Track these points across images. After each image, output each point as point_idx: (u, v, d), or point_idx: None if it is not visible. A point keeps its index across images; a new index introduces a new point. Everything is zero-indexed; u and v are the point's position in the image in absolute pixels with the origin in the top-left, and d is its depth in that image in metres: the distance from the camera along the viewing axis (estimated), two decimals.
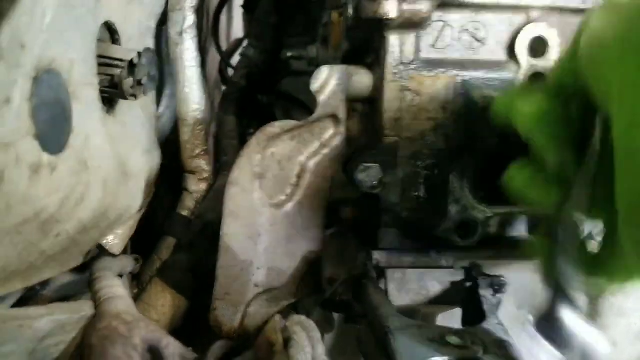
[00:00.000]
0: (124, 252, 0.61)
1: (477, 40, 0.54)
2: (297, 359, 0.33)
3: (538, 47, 0.53)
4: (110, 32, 0.46)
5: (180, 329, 0.62)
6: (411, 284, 0.57)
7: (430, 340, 0.45)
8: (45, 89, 0.28)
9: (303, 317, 0.34)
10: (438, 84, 0.53)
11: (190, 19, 0.66)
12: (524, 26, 0.53)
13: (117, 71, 0.41)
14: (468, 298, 0.54)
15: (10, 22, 0.23)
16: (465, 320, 0.56)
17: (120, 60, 0.41)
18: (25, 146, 0.26)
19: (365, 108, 0.58)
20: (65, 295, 0.57)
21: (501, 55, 0.54)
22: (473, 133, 0.53)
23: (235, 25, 1.17)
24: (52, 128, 0.29)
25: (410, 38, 0.52)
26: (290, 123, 0.56)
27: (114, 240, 0.57)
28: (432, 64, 0.53)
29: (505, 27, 0.53)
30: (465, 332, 0.47)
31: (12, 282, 0.35)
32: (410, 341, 0.45)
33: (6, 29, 0.23)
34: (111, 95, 0.44)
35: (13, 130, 0.25)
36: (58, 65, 0.30)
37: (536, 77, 0.54)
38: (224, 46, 1.03)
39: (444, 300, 0.58)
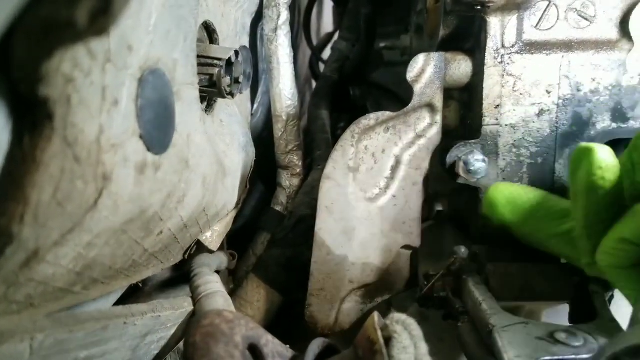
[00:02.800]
0: (221, 248, 0.63)
1: (585, 18, 0.49)
2: (399, 359, 0.31)
3: None
4: (209, 31, 0.46)
5: (274, 324, 0.63)
6: (514, 279, 0.53)
7: (539, 339, 0.42)
8: (150, 89, 0.28)
9: (404, 316, 0.33)
10: (542, 67, 0.50)
11: (285, 15, 0.66)
12: None
13: (216, 70, 0.41)
14: (577, 293, 0.50)
15: (118, 25, 0.24)
16: (573, 318, 0.52)
17: (219, 59, 0.42)
18: (131, 147, 0.27)
19: (462, 96, 0.55)
20: (165, 291, 0.59)
21: (612, 33, 0.50)
22: (581, 118, 0.50)
23: (325, 19, 1.17)
24: (157, 128, 0.29)
25: (512, 20, 0.49)
26: (385, 114, 0.55)
27: (212, 237, 0.59)
28: (536, 46, 0.50)
29: (617, 2, 0.50)
30: (577, 330, 0.43)
31: (117, 280, 0.36)
32: (517, 340, 0.42)
33: (114, 32, 0.24)
34: (209, 94, 0.44)
35: (121, 131, 0.25)
36: (162, 66, 0.30)
37: None
38: (314, 41, 1.04)
39: (549, 296, 0.54)
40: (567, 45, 0.50)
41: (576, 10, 0.49)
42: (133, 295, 0.54)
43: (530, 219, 0.48)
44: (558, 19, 0.50)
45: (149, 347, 0.44)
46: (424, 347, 0.32)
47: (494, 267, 0.53)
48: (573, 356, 0.40)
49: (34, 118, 0.21)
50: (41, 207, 0.21)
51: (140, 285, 0.52)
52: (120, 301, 0.44)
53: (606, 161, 0.39)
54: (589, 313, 0.47)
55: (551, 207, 0.47)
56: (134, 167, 0.27)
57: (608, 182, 0.39)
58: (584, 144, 0.40)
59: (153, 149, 0.29)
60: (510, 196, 0.48)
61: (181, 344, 0.50)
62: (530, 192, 0.49)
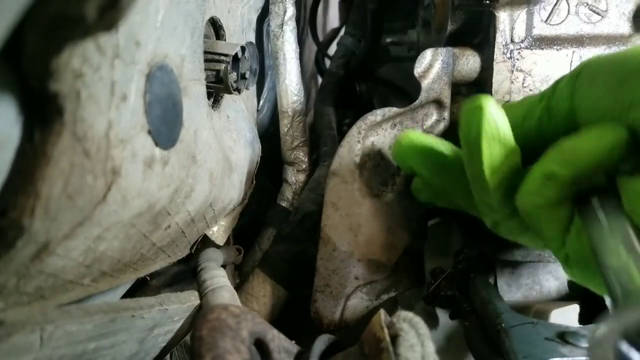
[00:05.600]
0: (227, 242, 0.63)
1: (597, 12, 0.49)
2: (406, 358, 0.31)
3: None
4: (215, 27, 0.46)
5: (279, 320, 0.63)
6: (523, 278, 0.53)
7: (548, 339, 0.42)
8: (158, 85, 0.28)
9: (411, 314, 0.33)
10: (552, 62, 0.49)
11: (291, 10, 0.66)
12: None
13: (222, 66, 0.42)
14: (587, 293, 0.50)
15: (126, 20, 0.24)
16: (583, 319, 0.51)
17: (225, 55, 0.42)
18: (140, 142, 0.27)
19: (471, 91, 0.55)
20: (172, 285, 0.60)
21: (625, 28, 0.49)
22: None
23: (331, 15, 1.17)
24: (164, 123, 0.30)
25: (521, 14, 0.49)
26: (392, 110, 0.55)
27: (218, 232, 0.59)
28: (546, 42, 0.49)
29: None
30: (587, 331, 0.43)
31: (125, 274, 0.36)
32: (525, 340, 0.41)
33: (123, 28, 0.24)
34: (216, 90, 0.44)
35: (129, 126, 0.26)
36: (170, 62, 0.30)
37: None
38: (320, 37, 1.03)
39: (559, 295, 0.53)
40: (578, 40, 0.49)
41: (587, 4, 0.49)
42: (140, 288, 0.55)
43: (440, 173, 0.47)
44: (569, 13, 0.49)
45: (156, 340, 0.44)
46: (430, 346, 0.31)
47: (502, 265, 0.53)
48: (584, 358, 0.40)
49: (44, 113, 0.21)
50: (52, 201, 0.22)
51: (148, 278, 0.52)
52: (128, 294, 0.45)
53: (498, 117, 0.38)
54: (600, 314, 0.46)
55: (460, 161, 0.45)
56: (142, 162, 0.28)
57: (504, 135, 0.38)
58: (473, 100, 0.39)
59: (161, 144, 0.29)
60: (420, 147, 0.47)
61: (187, 338, 0.51)
62: (441, 144, 0.47)
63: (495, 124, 0.38)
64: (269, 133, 0.75)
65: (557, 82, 0.41)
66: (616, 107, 0.35)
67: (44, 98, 0.21)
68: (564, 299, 0.53)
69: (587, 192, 0.36)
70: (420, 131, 0.55)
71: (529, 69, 0.50)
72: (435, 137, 0.48)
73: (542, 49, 0.49)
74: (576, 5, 0.49)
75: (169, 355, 0.50)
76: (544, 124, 0.41)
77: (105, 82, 0.23)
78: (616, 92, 0.35)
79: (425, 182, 0.51)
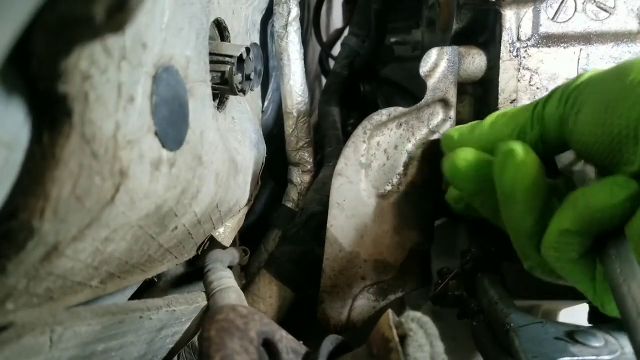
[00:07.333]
0: (233, 243, 0.63)
1: (604, 9, 0.48)
2: (415, 357, 0.31)
3: None
4: (220, 29, 0.46)
5: (285, 321, 0.63)
6: (530, 277, 0.53)
7: (557, 339, 0.41)
8: (164, 86, 0.28)
9: (419, 314, 0.32)
10: (559, 60, 0.49)
11: (295, 11, 0.66)
12: None
13: (227, 67, 0.42)
14: None
15: (132, 22, 0.24)
16: (592, 318, 0.51)
17: (230, 56, 0.42)
18: (147, 143, 0.27)
19: (477, 90, 0.55)
20: (179, 286, 0.60)
21: (633, 25, 0.49)
22: None
23: (334, 15, 1.17)
24: (171, 125, 0.30)
25: (527, 12, 0.49)
26: (397, 110, 0.55)
27: (224, 233, 0.59)
28: (553, 39, 0.49)
29: None
30: (596, 331, 0.43)
31: (133, 275, 0.36)
32: (534, 339, 0.41)
33: (129, 30, 0.24)
34: (221, 91, 0.44)
35: (136, 127, 0.26)
36: (175, 63, 0.30)
37: None
38: (324, 37, 1.03)
39: (567, 295, 0.53)
40: (586, 38, 0.49)
41: (595, 1, 0.49)
42: (147, 290, 0.55)
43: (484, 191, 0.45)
44: (575, 10, 0.49)
45: (164, 341, 0.45)
46: (439, 346, 0.31)
47: (510, 265, 0.52)
48: (593, 357, 0.39)
49: (53, 115, 0.21)
50: (61, 202, 0.22)
51: (155, 280, 0.52)
52: (135, 296, 0.45)
53: (532, 170, 0.39)
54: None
55: None
56: (150, 163, 0.27)
57: (538, 186, 0.39)
58: (504, 145, 0.40)
59: (167, 146, 0.29)
60: (474, 163, 0.44)
61: (195, 339, 0.51)
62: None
63: (530, 176, 0.38)
64: (273, 134, 0.75)
65: (546, 104, 0.40)
66: (605, 137, 0.35)
67: (52, 100, 0.21)
68: (573, 297, 0.53)
69: (605, 236, 0.36)
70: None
71: (536, 67, 0.49)
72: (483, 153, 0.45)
73: (549, 46, 0.49)
74: (583, 3, 0.49)
75: (176, 356, 0.50)
76: (539, 150, 0.40)
77: (112, 83, 0.23)
78: (604, 118, 0.35)
79: (476, 202, 0.47)
